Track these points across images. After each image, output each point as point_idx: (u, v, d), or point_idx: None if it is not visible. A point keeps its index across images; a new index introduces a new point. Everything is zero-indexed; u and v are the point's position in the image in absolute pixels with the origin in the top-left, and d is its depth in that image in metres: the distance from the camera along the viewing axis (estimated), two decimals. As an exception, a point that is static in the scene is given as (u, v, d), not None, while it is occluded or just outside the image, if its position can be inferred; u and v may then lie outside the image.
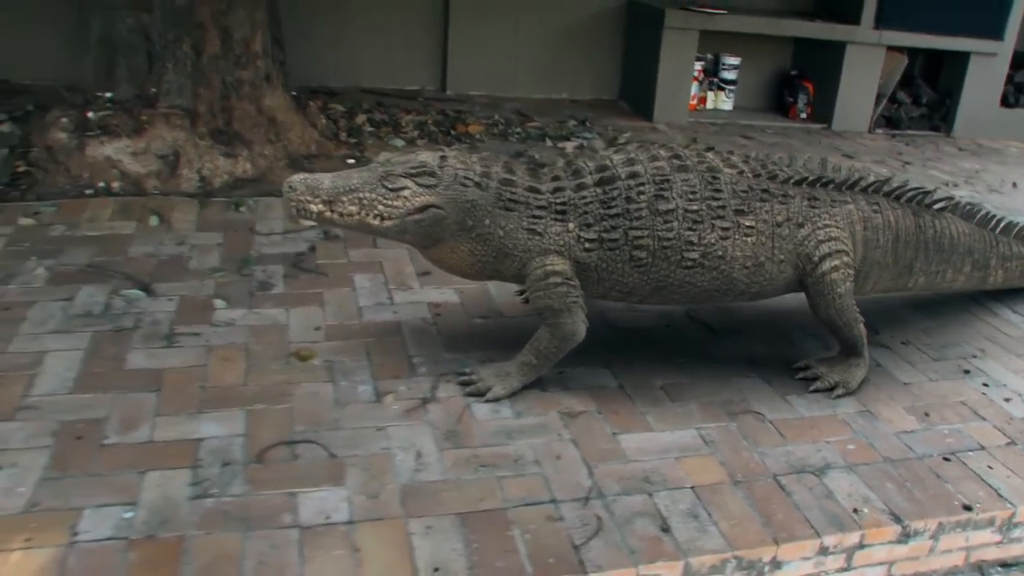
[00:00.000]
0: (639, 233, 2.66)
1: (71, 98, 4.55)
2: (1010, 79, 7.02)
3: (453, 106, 6.20)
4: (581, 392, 2.84)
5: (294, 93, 4.87)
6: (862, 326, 2.97)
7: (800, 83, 6.78)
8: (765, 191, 2.80)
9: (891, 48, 6.56)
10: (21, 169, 4.27)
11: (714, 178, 2.74)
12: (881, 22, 6.44)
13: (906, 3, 6.42)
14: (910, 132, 6.91)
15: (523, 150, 5.34)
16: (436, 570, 2.05)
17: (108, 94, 4.45)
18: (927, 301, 3.78)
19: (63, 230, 3.74)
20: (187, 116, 4.32)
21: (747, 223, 2.74)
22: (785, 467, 2.58)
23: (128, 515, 2.12)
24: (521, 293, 3.26)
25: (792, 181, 2.87)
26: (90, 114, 4.28)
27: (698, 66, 6.57)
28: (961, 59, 6.80)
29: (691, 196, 2.69)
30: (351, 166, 4.68)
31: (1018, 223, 3.61)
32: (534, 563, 2.11)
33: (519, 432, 2.61)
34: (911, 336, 3.49)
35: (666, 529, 2.27)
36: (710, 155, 2.85)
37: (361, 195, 2.58)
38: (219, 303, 3.19)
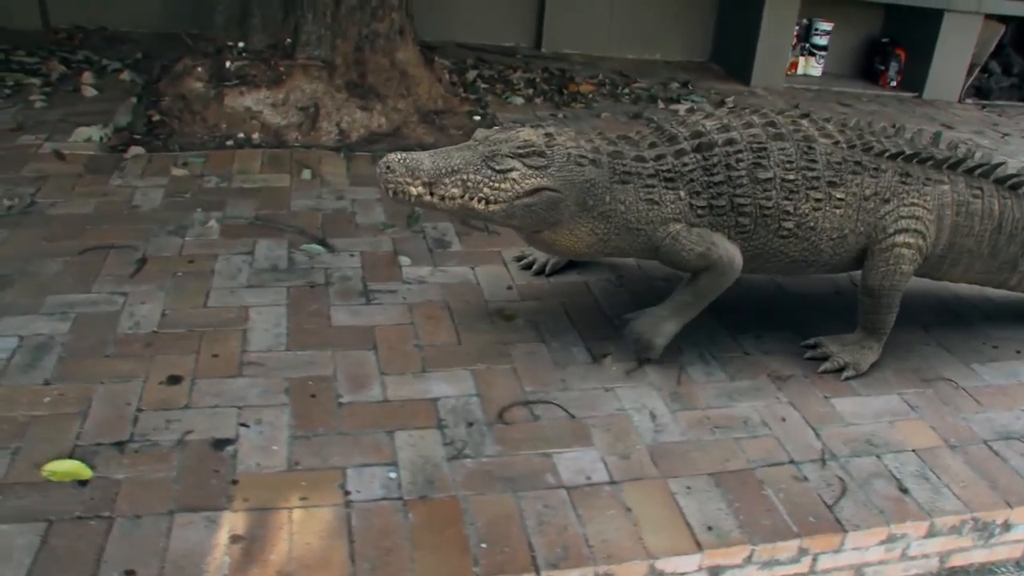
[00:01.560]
0: (743, 200, 2.64)
1: (201, 47, 4.49)
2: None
3: (553, 64, 6.13)
4: (782, 356, 2.88)
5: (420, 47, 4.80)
6: (894, 315, 2.85)
7: (892, 50, 6.70)
8: (858, 163, 2.74)
9: (988, 16, 6.48)
10: (156, 119, 4.24)
11: (809, 148, 2.70)
12: (982, -11, 6.35)
13: (1008, -30, 6.33)
14: (1000, 102, 6.86)
15: (639, 111, 5.29)
16: (710, 528, 2.09)
17: (240, 44, 4.38)
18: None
19: (217, 182, 3.73)
20: (325, 68, 4.27)
21: (838, 195, 2.70)
22: (991, 433, 2.63)
23: (392, 475, 2.16)
24: (520, 261, 3.27)
25: (887, 155, 2.78)
26: (228, 63, 4.23)
27: (791, 30, 6.48)
28: (1059, 29, 6.73)
29: (788, 166, 2.66)
30: (477, 123, 4.67)
31: None
32: (796, 522, 2.16)
33: (738, 394, 2.65)
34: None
35: (904, 490, 2.32)
36: (805, 123, 2.79)
37: (465, 176, 2.43)
38: (403, 260, 3.20)
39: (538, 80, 5.68)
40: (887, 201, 2.75)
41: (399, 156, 2.42)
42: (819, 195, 2.67)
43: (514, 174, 2.45)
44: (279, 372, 2.51)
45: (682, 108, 5.50)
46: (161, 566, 1.83)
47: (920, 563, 2.32)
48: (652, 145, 2.70)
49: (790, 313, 3.15)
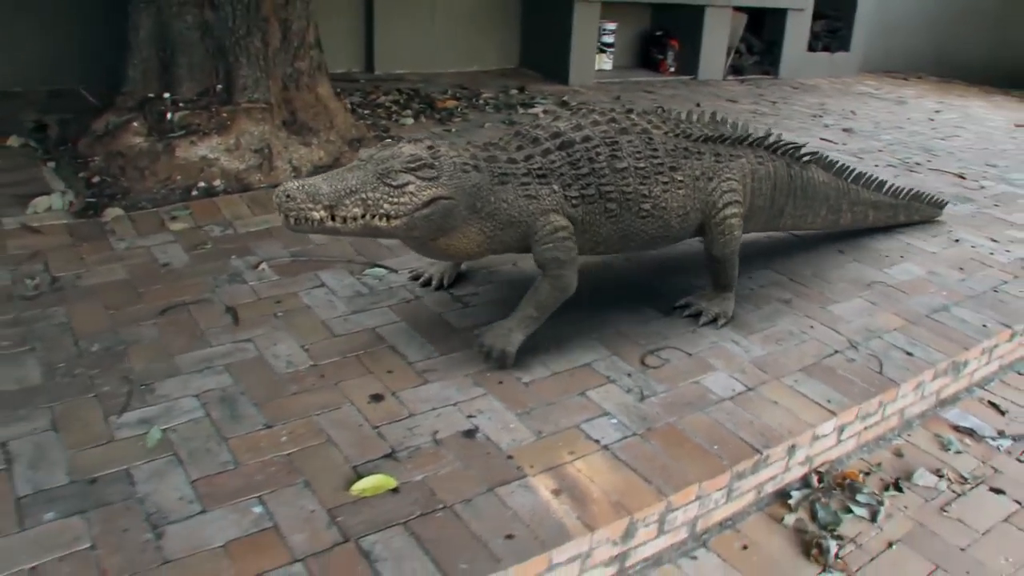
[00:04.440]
0: (609, 188, 2.94)
1: (121, 101, 4.33)
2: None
3: (398, 85, 6.51)
4: (770, 287, 3.73)
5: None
6: (737, 269, 3.38)
7: (668, 42, 8.02)
8: (686, 149, 3.14)
9: (735, 8, 8.02)
10: (95, 180, 4.06)
11: (650, 139, 3.06)
12: (727, -14, 7.86)
13: (742, -31, 7.91)
14: (751, 77, 8.49)
15: (509, 119, 5.93)
16: (829, 401, 2.87)
17: (166, 95, 4.31)
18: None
19: (221, 230, 3.78)
20: (267, 109, 4.36)
21: (679, 178, 3.09)
22: (927, 310, 3.62)
23: (613, 421, 2.65)
24: (417, 280, 3.41)
25: (702, 139, 3.22)
26: (169, 115, 4.16)
27: (586, 33, 7.48)
28: (780, 15, 8.51)
29: (637, 155, 3.00)
30: (391, 146, 4.98)
31: (866, 174, 4.14)
32: (870, 386, 2.99)
33: (774, 316, 3.45)
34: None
35: (910, 354, 3.25)
36: (635, 117, 3.16)
37: (364, 195, 2.50)
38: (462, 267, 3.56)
39: (402, 100, 6.08)
40: (711, 179, 3.19)
41: (296, 183, 2.46)
42: (665, 179, 3.05)
43: (410, 187, 2.57)
44: (456, 371, 2.84)
45: (539, 110, 6.24)
46: (531, 526, 2.17)
47: (929, 400, 3.29)
48: (519, 148, 2.93)
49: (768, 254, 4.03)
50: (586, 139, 2.96)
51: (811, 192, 3.77)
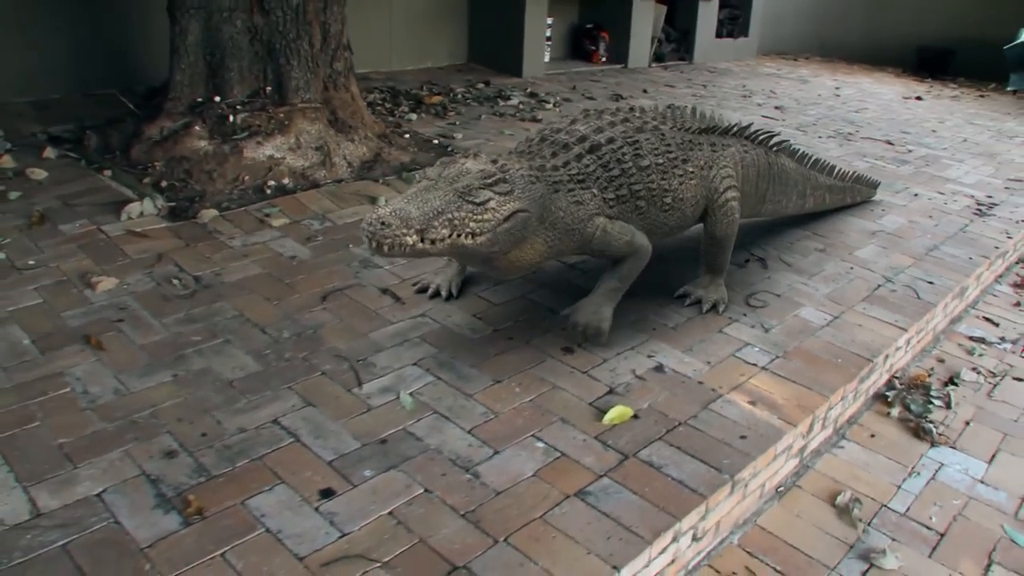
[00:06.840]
0: (638, 187, 3.06)
1: (170, 107, 4.37)
2: (716, 18, 9.83)
3: (370, 84, 6.68)
4: (768, 241, 4.40)
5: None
6: (730, 255, 3.52)
7: (599, 34, 8.62)
8: (690, 141, 3.29)
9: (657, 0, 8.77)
10: (163, 184, 4.13)
11: (662, 134, 3.20)
12: (649, -20, 8.59)
13: (659, -37, 8.65)
14: (671, 63, 9.25)
15: (496, 111, 6.33)
16: (896, 321, 3.54)
17: (217, 98, 4.40)
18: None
19: (320, 224, 4.00)
20: (319, 108, 4.55)
21: (690, 169, 3.24)
22: (923, 250, 4.47)
23: (756, 349, 3.22)
24: (426, 292, 3.38)
25: (698, 130, 3.37)
26: (231, 117, 4.27)
27: (528, 26, 7.95)
28: (692, 5, 9.35)
29: (655, 152, 3.13)
30: (408, 140, 5.28)
31: (821, 159, 4.48)
32: (918, 308, 3.72)
33: (820, 263, 4.10)
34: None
35: (931, 283, 4.01)
36: (640, 113, 3.31)
37: (450, 216, 2.53)
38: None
39: (388, 99, 6.31)
40: (711, 167, 3.35)
41: (389, 209, 2.46)
42: (680, 171, 3.21)
43: (492, 203, 2.62)
44: (613, 323, 3.21)
45: (516, 100, 6.66)
46: (752, 429, 2.67)
47: (947, 319, 4.06)
48: (554, 155, 2.99)
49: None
50: (610, 140, 3.06)
51: (784, 178, 4.01)
